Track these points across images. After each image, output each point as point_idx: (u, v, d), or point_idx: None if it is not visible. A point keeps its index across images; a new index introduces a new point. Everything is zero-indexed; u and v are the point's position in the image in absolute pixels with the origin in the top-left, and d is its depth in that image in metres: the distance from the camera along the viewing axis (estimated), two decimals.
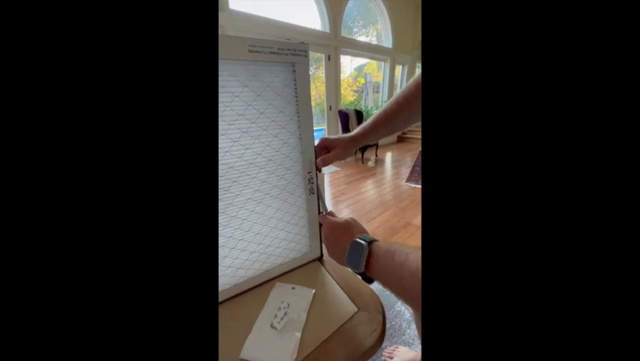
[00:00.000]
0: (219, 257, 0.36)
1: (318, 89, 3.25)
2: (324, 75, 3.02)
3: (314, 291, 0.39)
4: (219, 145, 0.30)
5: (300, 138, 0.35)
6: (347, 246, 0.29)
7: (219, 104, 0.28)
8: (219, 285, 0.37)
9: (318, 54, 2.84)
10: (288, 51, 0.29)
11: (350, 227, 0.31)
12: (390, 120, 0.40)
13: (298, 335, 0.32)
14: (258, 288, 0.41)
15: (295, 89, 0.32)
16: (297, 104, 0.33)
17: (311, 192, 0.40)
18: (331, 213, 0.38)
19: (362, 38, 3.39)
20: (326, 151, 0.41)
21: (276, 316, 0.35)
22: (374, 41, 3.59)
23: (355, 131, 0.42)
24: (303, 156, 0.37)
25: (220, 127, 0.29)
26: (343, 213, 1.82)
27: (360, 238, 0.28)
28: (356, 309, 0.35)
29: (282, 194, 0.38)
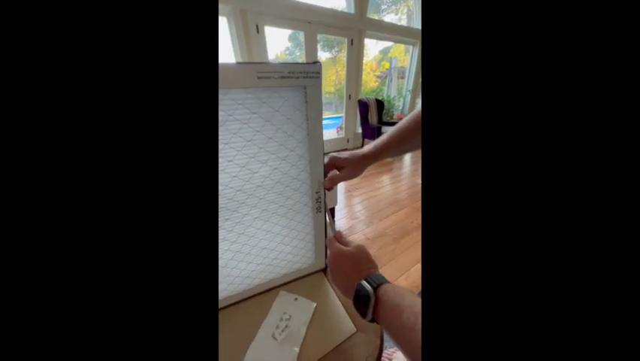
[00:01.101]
0: (228, 268, 0.38)
1: (338, 74, 3.10)
2: (345, 59, 2.84)
3: (315, 305, 0.40)
4: (227, 171, 0.30)
5: (310, 161, 0.34)
6: (353, 283, 0.28)
7: (228, 133, 0.28)
8: (227, 291, 0.40)
9: (340, 38, 2.67)
10: (299, 74, 0.28)
11: (358, 262, 0.30)
12: (407, 140, 0.38)
13: (297, 350, 0.34)
14: (263, 295, 0.43)
15: (306, 112, 0.31)
16: (308, 127, 0.32)
17: (318, 210, 0.40)
18: (339, 236, 0.36)
19: (391, 16, 3.09)
20: (335, 170, 0.39)
21: (277, 327, 0.38)
22: (404, 20, 3.27)
23: (366, 148, 0.39)
24: (311, 178, 0.36)
25: (229, 154, 0.30)
26: (355, 209, 1.82)
27: (366, 281, 0.26)
28: (355, 329, 0.36)
29: (288, 213, 0.38)
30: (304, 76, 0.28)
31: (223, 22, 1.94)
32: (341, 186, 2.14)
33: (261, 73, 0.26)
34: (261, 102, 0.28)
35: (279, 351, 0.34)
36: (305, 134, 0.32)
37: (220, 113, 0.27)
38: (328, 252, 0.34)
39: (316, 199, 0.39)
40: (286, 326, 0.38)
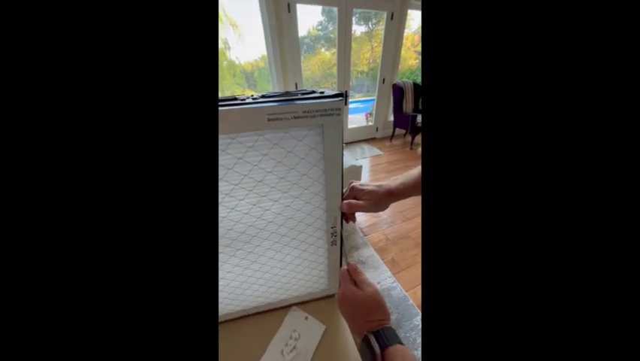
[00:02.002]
0: (241, 289, 0.39)
1: (374, 50, 2.78)
2: (383, 35, 2.52)
3: (325, 328, 0.40)
4: (238, 209, 0.29)
5: (326, 199, 0.31)
6: (359, 330, 0.26)
7: (238, 175, 0.26)
8: (240, 307, 0.42)
9: (377, 11, 2.34)
10: (315, 113, 0.23)
11: (369, 310, 0.27)
12: None
13: None
14: (274, 311, 0.44)
15: (323, 151, 0.26)
16: (325, 165, 0.28)
17: (333, 243, 0.37)
18: (354, 271, 0.33)
19: None
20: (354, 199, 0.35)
21: (287, 344, 0.39)
22: None
23: (393, 183, 0.34)
24: (327, 214, 0.33)
25: (240, 193, 0.28)
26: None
27: (375, 337, 0.24)
28: None
29: (301, 245, 0.36)
30: (322, 114, 0.23)
31: (255, 3, 1.84)
32: (364, 181, 2.06)
33: (271, 115, 0.22)
34: (272, 144, 0.25)
35: None
36: (321, 172, 0.28)
37: (228, 157, 0.25)
38: (340, 286, 0.32)
39: (331, 233, 0.36)
40: (294, 347, 0.38)
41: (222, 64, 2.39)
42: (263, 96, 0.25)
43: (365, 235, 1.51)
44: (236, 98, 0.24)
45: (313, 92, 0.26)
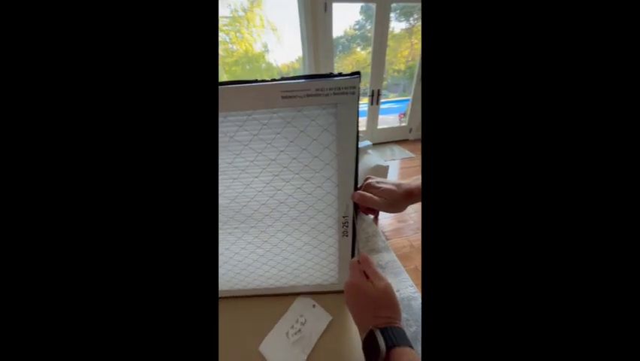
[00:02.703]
0: (253, 267, 0.41)
1: (413, 48, 2.63)
2: None
3: (331, 319, 0.40)
4: (253, 186, 0.30)
5: (338, 185, 0.30)
6: (365, 324, 0.25)
7: (253, 152, 0.27)
8: (252, 285, 0.44)
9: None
10: (329, 90, 0.23)
11: (378, 304, 0.25)
12: None
13: (304, 357, 0.35)
14: (283, 296, 0.45)
15: (336, 132, 0.26)
16: (337, 148, 0.27)
17: (344, 234, 0.36)
18: (365, 261, 0.30)
19: None
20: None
21: (292, 327, 0.40)
22: None
23: (414, 182, 0.31)
24: (338, 201, 0.32)
25: (255, 171, 0.29)
26: (406, 216, 1.63)
27: (382, 334, 0.22)
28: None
29: (311, 231, 0.36)
30: (335, 92, 0.23)
31: (293, 5, 1.92)
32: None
33: (285, 92, 0.23)
34: (285, 122, 0.25)
35: (289, 351, 0.36)
36: (333, 155, 0.28)
37: (245, 133, 0.26)
38: (349, 276, 0.30)
39: (343, 223, 0.35)
40: (299, 330, 0.39)
41: (261, 66, 2.55)
42: (283, 78, 0.26)
43: (387, 240, 1.44)
44: (257, 80, 0.25)
45: (331, 74, 0.26)
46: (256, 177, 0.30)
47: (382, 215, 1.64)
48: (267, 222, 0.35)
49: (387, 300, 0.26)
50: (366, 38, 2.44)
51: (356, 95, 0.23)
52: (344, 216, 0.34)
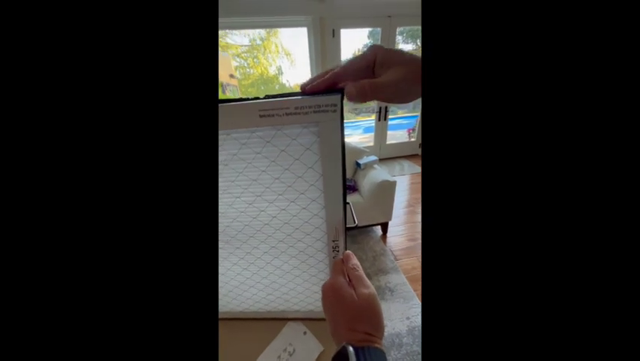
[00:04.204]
0: (240, 290, 0.39)
1: None
2: None
3: (322, 350, 0.37)
4: (235, 206, 0.29)
5: (325, 207, 0.28)
6: (338, 337, 0.21)
7: (233, 172, 0.26)
8: (240, 308, 0.41)
9: None
10: (308, 109, 0.22)
11: (356, 317, 0.21)
12: None
13: None
14: (273, 321, 0.42)
15: (320, 152, 0.25)
16: (322, 169, 0.26)
17: (335, 259, 0.33)
18: (348, 259, 0.25)
19: None
20: (370, 74, 0.20)
21: (279, 357, 0.36)
22: None
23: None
24: (327, 224, 0.30)
25: (236, 191, 0.28)
26: (417, 228, 1.55)
27: (355, 354, 0.18)
28: None
29: (300, 255, 0.34)
30: (315, 110, 0.22)
31: (304, 32, 2.05)
32: (401, 200, 1.87)
33: (262, 111, 0.22)
34: (264, 141, 0.24)
35: None
36: (318, 176, 0.26)
37: (224, 152, 0.25)
38: (329, 280, 0.24)
39: (333, 248, 0.32)
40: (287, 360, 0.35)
41: (275, 87, 2.70)
42: (267, 96, 0.25)
43: (397, 260, 1.35)
44: (241, 99, 0.25)
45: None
46: (238, 198, 0.29)
47: (392, 232, 1.56)
48: (252, 244, 0.33)
49: (368, 312, 0.21)
50: None
51: (338, 112, 0.22)
52: (334, 241, 0.32)
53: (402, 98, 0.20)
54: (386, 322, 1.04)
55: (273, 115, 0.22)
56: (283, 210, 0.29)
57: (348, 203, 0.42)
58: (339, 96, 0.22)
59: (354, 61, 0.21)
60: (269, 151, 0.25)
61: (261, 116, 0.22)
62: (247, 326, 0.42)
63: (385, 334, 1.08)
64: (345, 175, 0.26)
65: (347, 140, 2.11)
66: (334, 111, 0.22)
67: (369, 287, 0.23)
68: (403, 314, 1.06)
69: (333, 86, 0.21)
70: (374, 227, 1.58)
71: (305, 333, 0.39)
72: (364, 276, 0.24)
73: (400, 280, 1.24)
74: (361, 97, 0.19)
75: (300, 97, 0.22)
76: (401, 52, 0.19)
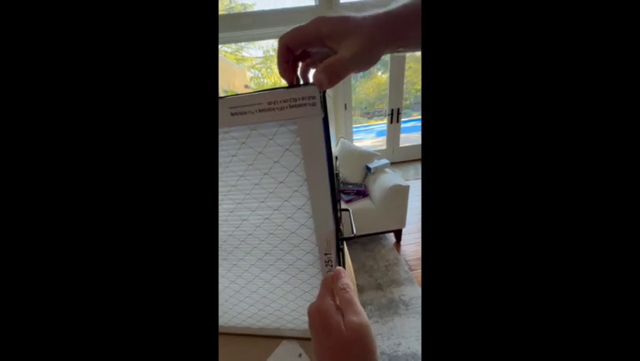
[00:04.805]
0: (230, 303, 0.36)
1: None
2: None
3: None
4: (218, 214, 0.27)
5: (313, 216, 0.25)
6: None
7: None
8: (232, 322, 0.38)
9: None
10: (283, 103, 0.19)
11: (342, 352, 0.18)
12: None
13: None
14: (267, 338, 0.38)
15: (301, 153, 0.21)
16: (306, 173, 0.22)
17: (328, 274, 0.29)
18: (338, 277, 0.22)
19: None
20: (328, 51, 0.19)
21: None
22: None
23: (389, 7, 0.18)
24: (317, 235, 0.27)
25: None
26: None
27: None
28: None
29: (289, 269, 0.30)
30: (292, 105, 0.19)
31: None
32: (416, 205, 1.76)
33: (233, 108, 0.19)
34: (239, 142, 0.22)
35: None
36: (302, 180, 0.23)
37: None
38: (316, 301, 0.21)
39: (325, 262, 0.28)
40: None
41: None
42: (237, 94, 0.23)
43: (411, 270, 1.25)
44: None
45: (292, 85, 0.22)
46: (219, 204, 0.26)
47: (406, 240, 1.47)
48: (238, 255, 0.31)
49: (357, 347, 0.17)
50: (386, 63, 2.48)
51: (318, 106, 0.19)
52: (326, 254, 0.28)
53: (366, 67, 0.19)
54: (400, 340, 0.96)
55: (245, 112, 0.19)
56: (267, 219, 0.26)
57: (347, 210, 0.38)
58: (317, 89, 0.18)
59: (298, 36, 0.19)
60: (245, 153, 0.22)
61: (232, 114, 0.20)
62: (239, 341, 0.39)
63: (399, 353, 0.99)
64: (334, 180, 0.23)
65: (358, 144, 2.07)
66: (313, 105, 0.19)
67: (360, 314, 0.19)
68: (419, 331, 0.96)
69: (295, 71, 0.21)
70: (387, 234, 1.50)
71: (300, 355, 0.35)
72: (356, 299, 0.20)
73: (416, 292, 1.14)
74: (334, 79, 0.18)
75: (271, 90, 0.19)
76: (346, 19, 0.18)
